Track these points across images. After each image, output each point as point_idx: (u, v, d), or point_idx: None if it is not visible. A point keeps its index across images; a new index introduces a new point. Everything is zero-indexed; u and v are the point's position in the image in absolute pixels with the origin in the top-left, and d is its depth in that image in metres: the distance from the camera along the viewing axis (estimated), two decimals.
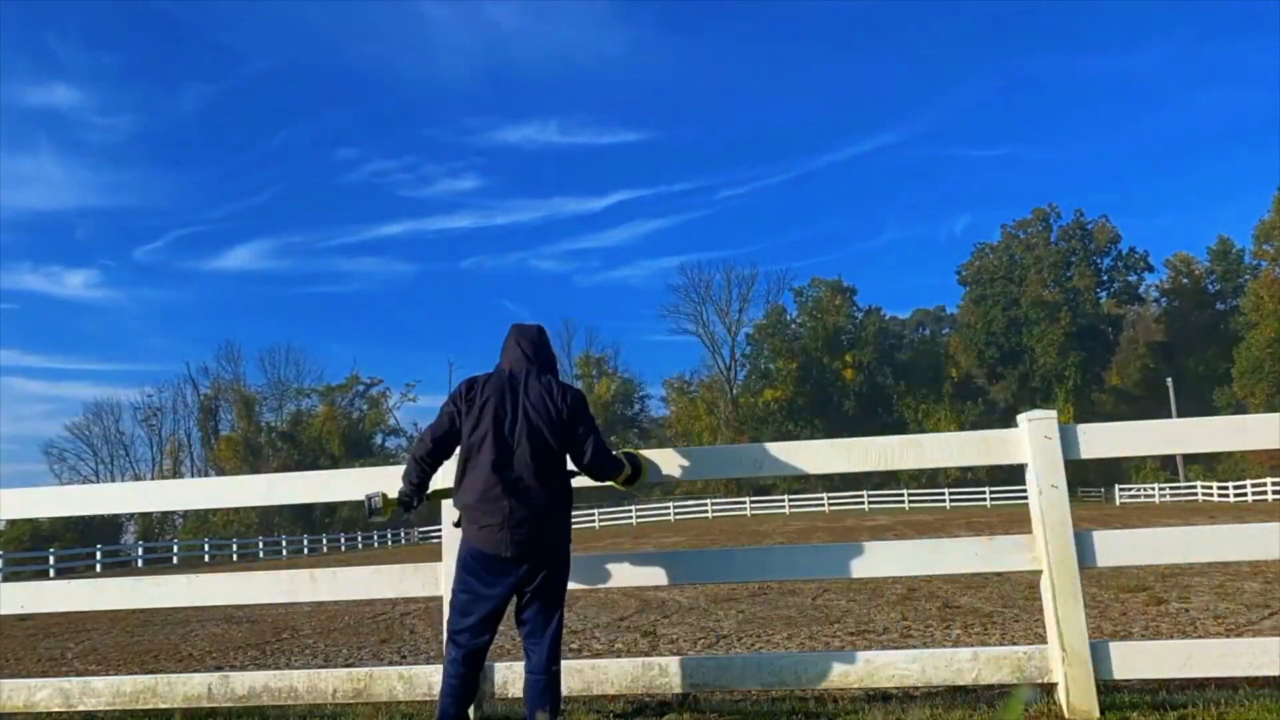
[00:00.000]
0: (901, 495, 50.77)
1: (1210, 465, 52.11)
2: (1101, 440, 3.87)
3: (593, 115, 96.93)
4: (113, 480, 57.40)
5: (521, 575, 3.34)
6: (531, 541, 3.30)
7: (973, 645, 5.56)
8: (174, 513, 55.79)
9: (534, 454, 3.33)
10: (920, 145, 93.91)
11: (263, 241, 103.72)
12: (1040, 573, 3.75)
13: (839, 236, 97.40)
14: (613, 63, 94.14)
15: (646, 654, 5.78)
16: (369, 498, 3.62)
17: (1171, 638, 5.52)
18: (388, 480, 3.86)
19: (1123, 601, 7.37)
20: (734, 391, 70.79)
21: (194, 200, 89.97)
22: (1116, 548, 3.75)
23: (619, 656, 5.58)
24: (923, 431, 48.16)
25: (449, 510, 3.75)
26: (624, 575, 4.05)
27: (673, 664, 3.91)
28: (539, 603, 3.38)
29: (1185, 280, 67.92)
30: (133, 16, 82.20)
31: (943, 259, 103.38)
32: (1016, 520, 24.68)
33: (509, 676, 3.94)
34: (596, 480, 3.65)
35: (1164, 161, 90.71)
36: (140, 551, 37.91)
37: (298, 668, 5.88)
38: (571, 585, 3.63)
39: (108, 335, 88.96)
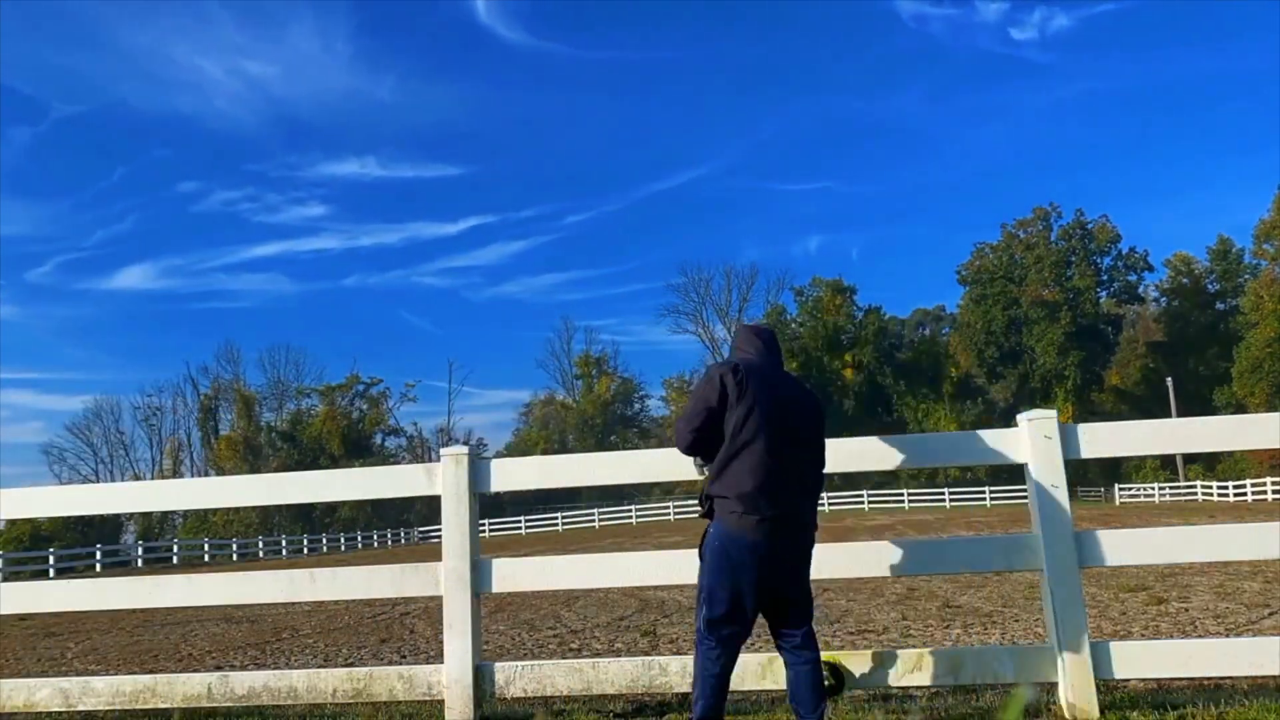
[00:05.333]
0: (901, 495, 50.72)
1: (1210, 465, 52.10)
2: (1101, 440, 3.88)
3: (403, 152, 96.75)
4: (113, 480, 57.29)
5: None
6: None
7: (973, 645, 5.57)
8: (173, 512, 55.77)
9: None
10: (735, 178, 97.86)
11: (145, 264, 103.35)
12: (1040, 572, 3.75)
13: (708, 254, 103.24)
14: (390, 106, 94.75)
15: (646, 654, 5.78)
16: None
17: (1171, 637, 5.52)
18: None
19: (1123, 601, 7.38)
20: None
21: (63, 229, 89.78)
22: (1116, 548, 3.75)
23: (619, 656, 5.58)
24: (923, 431, 48.17)
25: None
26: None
27: (673, 664, 3.91)
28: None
29: (1185, 280, 67.87)
30: None
31: (941, 259, 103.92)
32: (1016, 520, 24.69)
33: (509, 676, 3.94)
34: None
35: (1155, 164, 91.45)
36: (140, 551, 37.84)
37: (297, 668, 5.88)
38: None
39: (20, 346, 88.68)
